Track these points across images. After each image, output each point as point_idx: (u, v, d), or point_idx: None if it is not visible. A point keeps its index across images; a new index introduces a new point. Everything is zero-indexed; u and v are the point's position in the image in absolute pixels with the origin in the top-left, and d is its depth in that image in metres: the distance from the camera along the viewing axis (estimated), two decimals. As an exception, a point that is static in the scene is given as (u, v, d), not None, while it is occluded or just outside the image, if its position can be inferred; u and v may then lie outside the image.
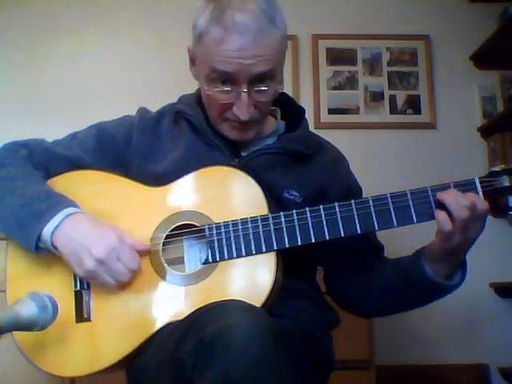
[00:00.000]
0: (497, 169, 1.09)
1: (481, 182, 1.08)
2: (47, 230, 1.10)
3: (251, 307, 0.96)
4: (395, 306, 1.28)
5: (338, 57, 2.78)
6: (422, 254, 1.15)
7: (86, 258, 1.08)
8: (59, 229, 1.10)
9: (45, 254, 1.14)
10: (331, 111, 2.73)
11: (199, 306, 1.02)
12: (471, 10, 2.81)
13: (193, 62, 1.24)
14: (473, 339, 2.55)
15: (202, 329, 0.91)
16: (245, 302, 0.98)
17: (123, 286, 1.11)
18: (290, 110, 1.35)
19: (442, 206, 1.06)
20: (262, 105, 1.20)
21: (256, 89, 1.16)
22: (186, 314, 1.04)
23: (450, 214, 1.05)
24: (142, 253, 1.13)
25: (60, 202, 1.14)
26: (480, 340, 2.54)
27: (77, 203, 1.16)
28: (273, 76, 1.17)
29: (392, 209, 1.09)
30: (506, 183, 1.07)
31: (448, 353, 2.54)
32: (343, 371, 1.93)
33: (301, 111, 1.35)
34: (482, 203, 1.05)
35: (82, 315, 1.13)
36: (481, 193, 1.07)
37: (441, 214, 1.06)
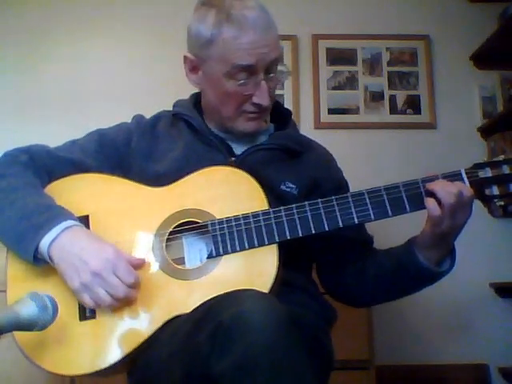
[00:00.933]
0: (480, 161, 1.18)
1: (467, 173, 1.17)
2: (44, 243, 1.11)
3: (264, 294, 1.00)
4: (389, 293, 1.33)
5: (338, 57, 2.78)
6: (413, 243, 1.21)
7: (83, 270, 1.08)
8: (56, 242, 1.11)
9: (42, 265, 1.14)
10: (331, 111, 2.72)
11: (207, 299, 1.03)
12: (471, 10, 2.81)
13: (194, 69, 1.30)
14: (473, 339, 2.54)
15: (218, 315, 0.93)
16: (257, 290, 1.00)
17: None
18: (277, 112, 1.42)
19: (432, 195, 1.14)
20: (273, 91, 1.29)
21: (270, 76, 1.25)
22: (194, 307, 1.05)
23: (439, 202, 1.12)
24: (139, 266, 1.14)
25: (59, 215, 1.15)
26: (480, 340, 2.54)
27: (75, 216, 1.16)
28: (278, 63, 1.28)
29: (386, 200, 1.15)
30: (489, 174, 1.16)
31: (448, 353, 2.54)
32: (343, 371, 1.93)
33: (287, 113, 1.42)
34: (467, 190, 1.13)
35: (85, 313, 1.13)
36: (467, 182, 1.15)
37: (430, 201, 1.13)
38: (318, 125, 2.64)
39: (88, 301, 1.09)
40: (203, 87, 1.32)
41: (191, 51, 1.28)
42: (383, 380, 2.27)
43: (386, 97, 2.74)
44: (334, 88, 2.75)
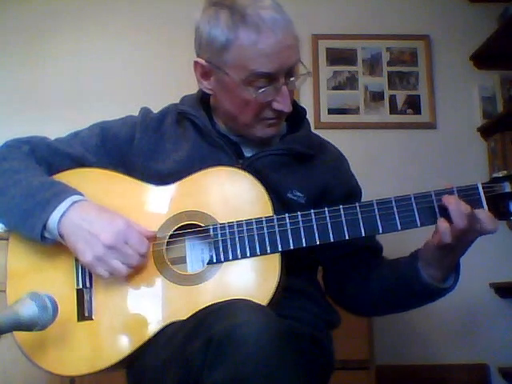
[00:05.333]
0: (499, 175, 1.10)
1: (483, 188, 1.08)
2: (54, 218, 1.09)
3: (259, 306, 0.97)
4: (392, 307, 1.30)
5: (338, 57, 2.78)
6: (417, 258, 1.16)
7: (95, 244, 1.07)
8: (66, 216, 1.09)
9: (50, 243, 1.13)
10: (331, 111, 2.73)
11: (203, 306, 1.01)
12: (471, 10, 2.81)
13: (206, 75, 1.21)
14: (473, 339, 2.55)
15: (209, 328, 0.91)
16: (252, 301, 0.98)
17: (126, 283, 1.11)
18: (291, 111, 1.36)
19: (444, 210, 1.06)
20: (292, 94, 1.21)
21: (290, 80, 1.17)
22: (190, 314, 1.03)
23: (450, 222, 1.05)
24: (150, 238, 1.13)
25: (64, 190, 1.14)
26: (480, 340, 2.54)
27: (80, 191, 1.15)
28: (297, 65, 1.18)
29: (396, 212, 1.09)
30: (508, 189, 1.07)
31: (448, 353, 2.54)
32: (343, 371, 1.92)
33: (302, 112, 1.35)
34: (489, 221, 1.05)
35: (83, 314, 1.13)
36: (483, 198, 1.08)
37: (443, 226, 1.05)
38: (318, 125, 2.65)
39: (103, 273, 1.09)
40: (217, 93, 1.23)
41: (202, 56, 1.19)
42: (383, 380, 2.27)
43: (386, 97, 2.75)
44: (334, 88, 2.75)
